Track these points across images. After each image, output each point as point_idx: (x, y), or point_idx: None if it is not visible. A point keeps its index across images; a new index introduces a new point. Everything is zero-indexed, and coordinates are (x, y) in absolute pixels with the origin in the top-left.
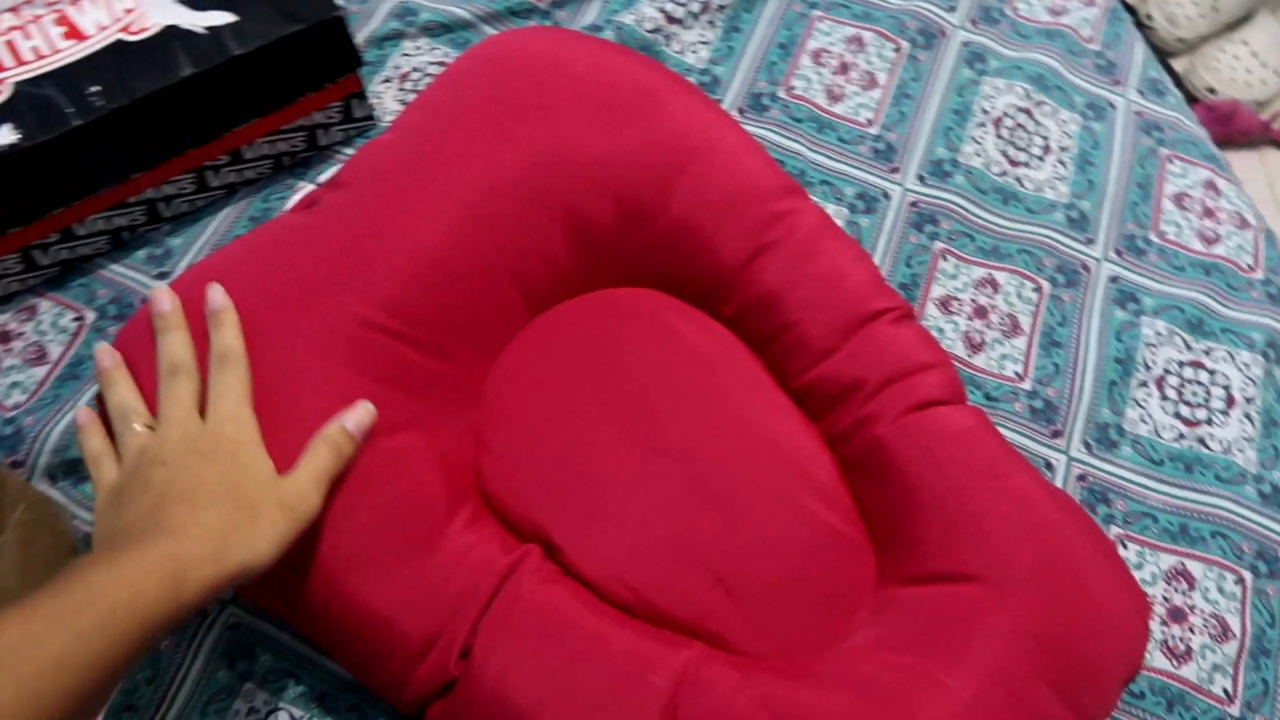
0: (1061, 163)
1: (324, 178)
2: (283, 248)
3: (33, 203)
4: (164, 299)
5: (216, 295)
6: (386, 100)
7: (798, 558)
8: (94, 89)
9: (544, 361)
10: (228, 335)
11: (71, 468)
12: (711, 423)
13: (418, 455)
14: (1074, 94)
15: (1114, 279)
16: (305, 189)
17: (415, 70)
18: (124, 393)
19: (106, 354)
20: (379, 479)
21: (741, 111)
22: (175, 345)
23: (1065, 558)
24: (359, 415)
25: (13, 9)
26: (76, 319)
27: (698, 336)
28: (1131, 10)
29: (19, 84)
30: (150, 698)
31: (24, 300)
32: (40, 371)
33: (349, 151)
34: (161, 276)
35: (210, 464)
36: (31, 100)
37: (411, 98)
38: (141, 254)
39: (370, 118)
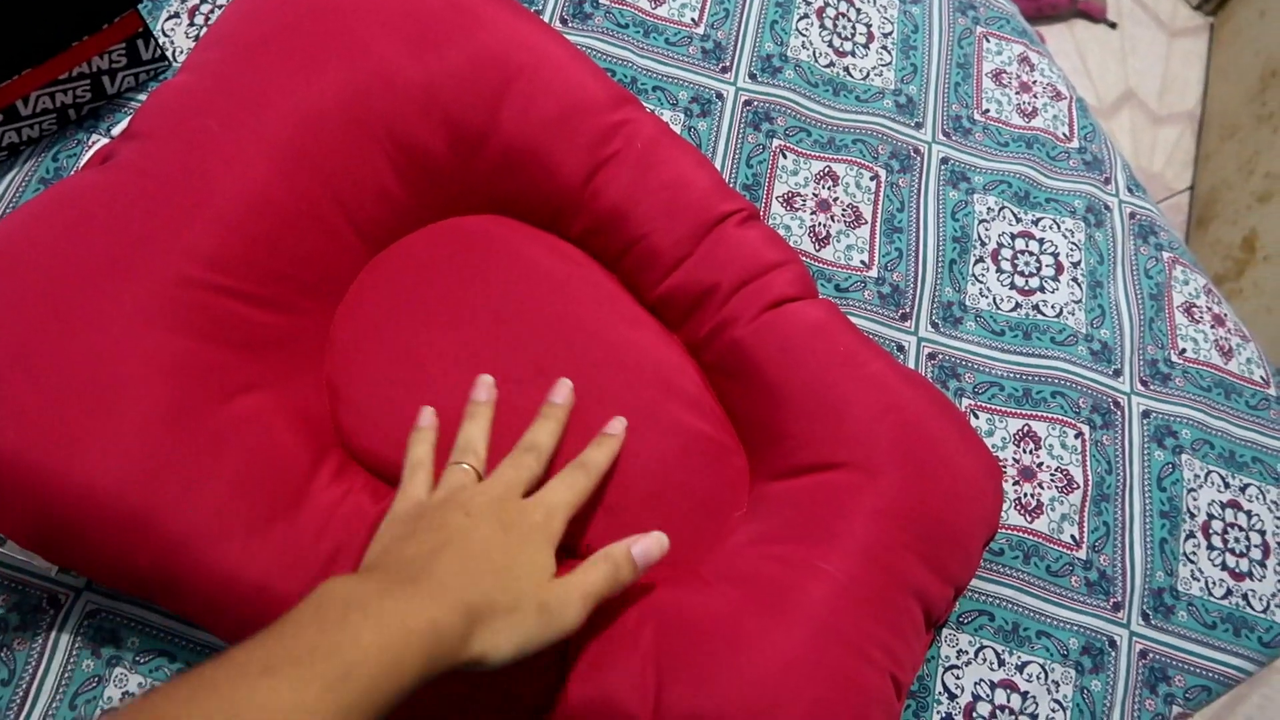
0: (885, 49)
1: (119, 130)
2: (82, 210)
3: None
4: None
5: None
6: (178, 39)
7: (671, 468)
8: None
9: (390, 301)
10: (605, 454)
11: None
12: (571, 344)
13: (268, 415)
14: None
15: (945, 160)
16: (100, 142)
17: (204, 3)
18: (478, 431)
19: (485, 388)
20: (231, 446)
21: (564, 21)
22: (546, 432)
23: (923, 435)
24: (648, 545)
25: None
26: None
27: (547, 259)
28: None
29: None
30: (11, 699)
31: None
32: None
33: (143, 98)
34: None
35: (502, 536)
36: None
37: (205, 33)
38: None
39: (162, 59)
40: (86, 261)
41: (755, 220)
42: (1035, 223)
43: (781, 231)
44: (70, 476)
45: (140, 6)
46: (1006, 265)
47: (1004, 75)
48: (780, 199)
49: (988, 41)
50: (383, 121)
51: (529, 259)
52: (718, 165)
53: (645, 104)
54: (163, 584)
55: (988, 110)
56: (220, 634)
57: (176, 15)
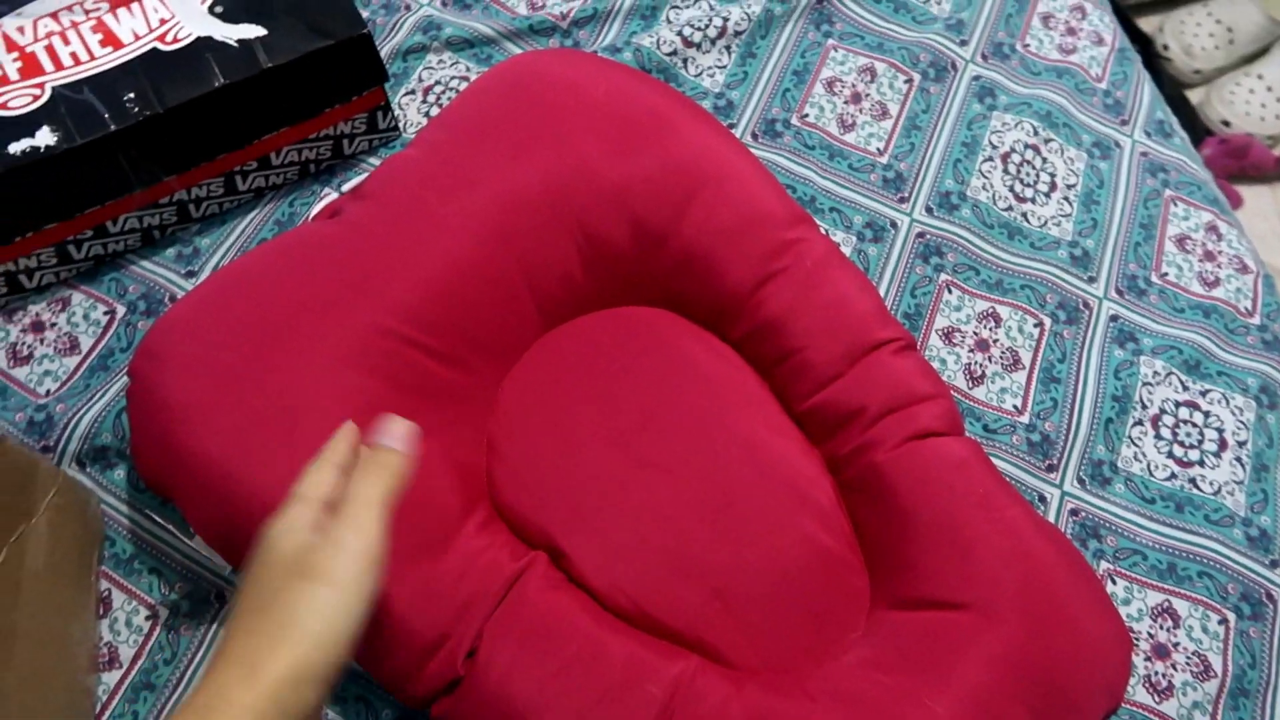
0: (1067, 200)
1: (348, 186)
2: (308, 256)
3: (69, 200)
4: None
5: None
6: (410, 112)
7: (793, 576)
8: (130, 95)
9: (556, 374)
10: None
11: (99, 454)
12: (715, 441)
13: (433, 461)
14: (1081, 132)
15: (1114, 318)
16: (330, 195)
17: (438, 84)
18: (321, 480)
19: (346, 435)
20: None
21: (755, 137)
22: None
23: (1052, 589)
24: (394, 430)
25: (53, 14)
26: (107, 312)
27: (706, 357)
28: (1147, 41)
29: (56, 89)
30: (168, 677)
31: (58, 292)
32: (71, 361)
33: (373, 160)
34: (190, 275)
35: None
36: (70, 104)
37: (434, 110)
38: (171, 252)
39: (394, 129)
40: (303, 301)
41: (911, 350)
42: (1203, 394)
43: (936, 364)
44: (257, 489)
45: (385, 83)
46: (1166, 433)
47: (1188, 241)
48: (940, 332)
49: (1175, 206)
50: (576, 212)
51: (688, 354)
52: (883, 291)
53: (820, 223)
54: None
55: (1166, 274)
56: (354, 657)
57: (413, 92)
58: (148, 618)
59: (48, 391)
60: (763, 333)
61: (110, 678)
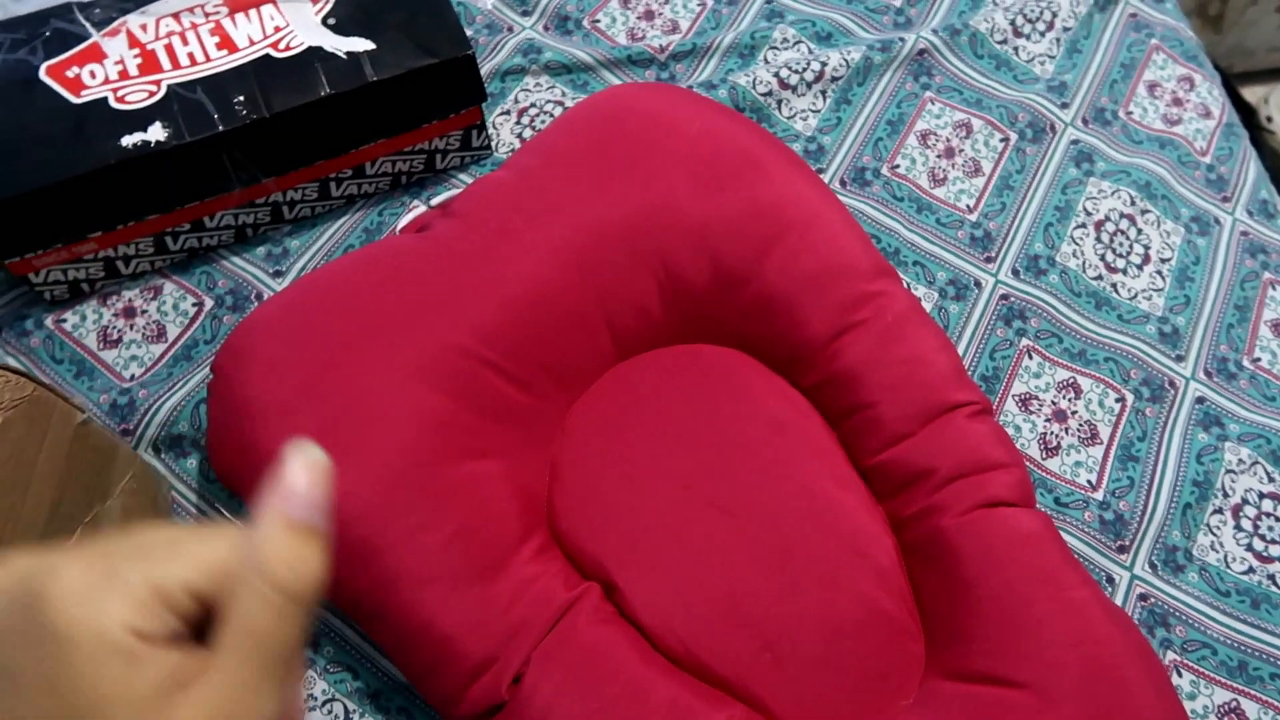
0: (1160, 274)
1: (437, 201)
2: (393, 269)
3: (172, 194)
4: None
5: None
6: (503, 132)
7: (848, 635)
8: (239, 98)
9: (625, 406)
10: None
11: (175, 442)
12: (778, 489)
13: (496, 482)
14: (1180, 206)
15: (1200, 400)
16: (418, 207)
17: (533, 106)
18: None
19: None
20: (458, 502)
21: (844, 183)
22: None
23: (1115, 678)
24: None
25: (175, 15)
26: (195, 304)
27: (776, 402)
28: (1251, 112)
29: (172, 86)
30: None
31: (151, 280)
32: (158, 349)
33: (463, 176)
34: (277, 274)
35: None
36: (182, 102)
37: (527, 132)
38: (262, 250)
39: (487, 147)
40: (384, 313)
41: (986, 415)
42: None
43: (1010, 431)
44: None
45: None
46: (1248, 524)
47: None
48: (1017, 398)
49: (1274, 289)
50: (658, 247)
51: (758, 398)
52: (961, 351)
53: (903, 276)
54: (368, 611)
55: (1259, 359)
56: (402, 670)
57: (508, 112)
58: None
59: (132, 376)
60: (836, 383)
61: None
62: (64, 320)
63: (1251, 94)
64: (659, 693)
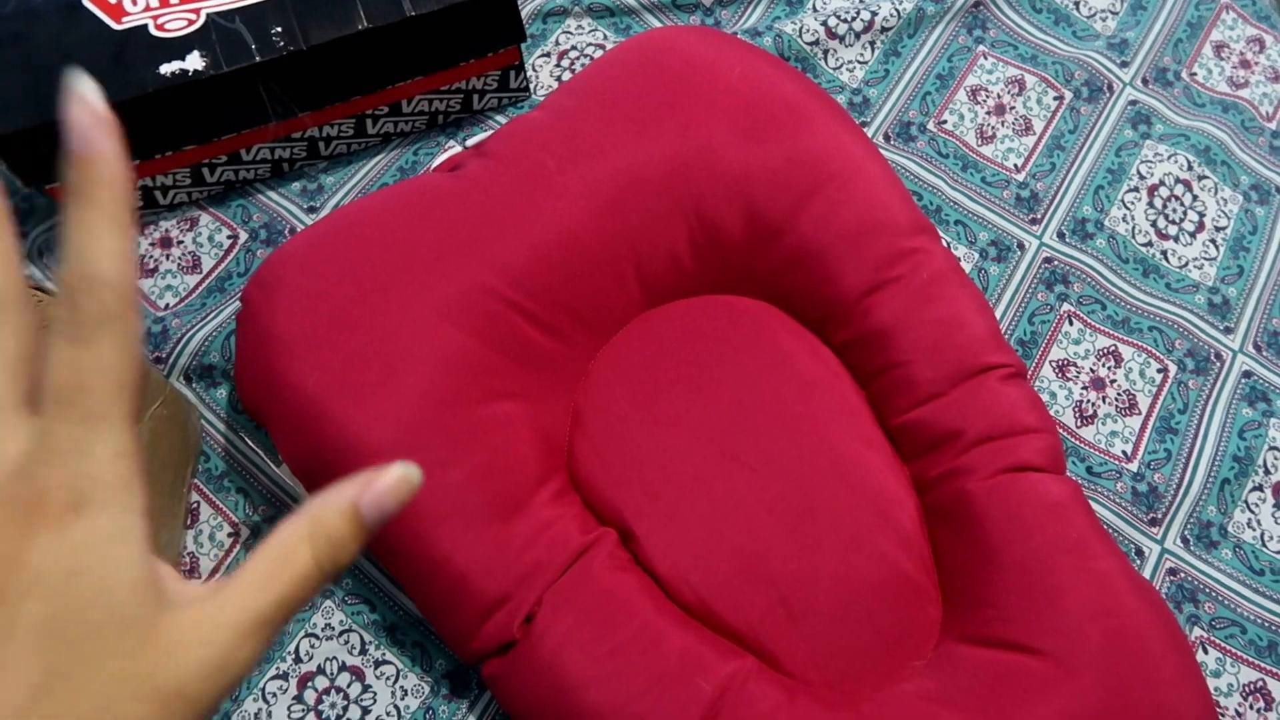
0: (1213, 243)
1: (472, 141)
2: (424, 207)
3: (209, 125)
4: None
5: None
6: (543, 75)
7: (864, 595)
8: (277, 29)
9: (650, 354)
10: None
11: (206, 372)
12: (802, 445)
13: (518, 425)
14: (1241, 172)
15: (1248, 374)
16: (453, 148)
17: (574, 49)
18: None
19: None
20: (480, 442)
21: (887, 138)
22: None
23: (1137, 650)
24: (384, 489)
25: None
26: (231, 236)
27: (805, 358)
28: None
29: (211, 16)
30: None
31: (188, 211)
32: (192, 280)
33: (500, 118)
34: (312, 210)
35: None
36: (221, 32)
37: (566, 75)
38: (297, 186)
39: (525, 89)
40: (413, 251)
41: (1020, 379)
42: None
43: (1046, 398)
44: (349, 427)
45: (522, 43)
46: None
47: None
48: (1054, 363)
49: None
50: (693, 195)
51: (787, 352)
52: (999, 314)
53: (944, 235)
54: (388, 544)
55: None
56: (417, 605)
57: (548, 55)
58: (229, 534)
59: (167, 306)
60: (867, 341)
61: None
62: None
63: None
64: (671, 640)
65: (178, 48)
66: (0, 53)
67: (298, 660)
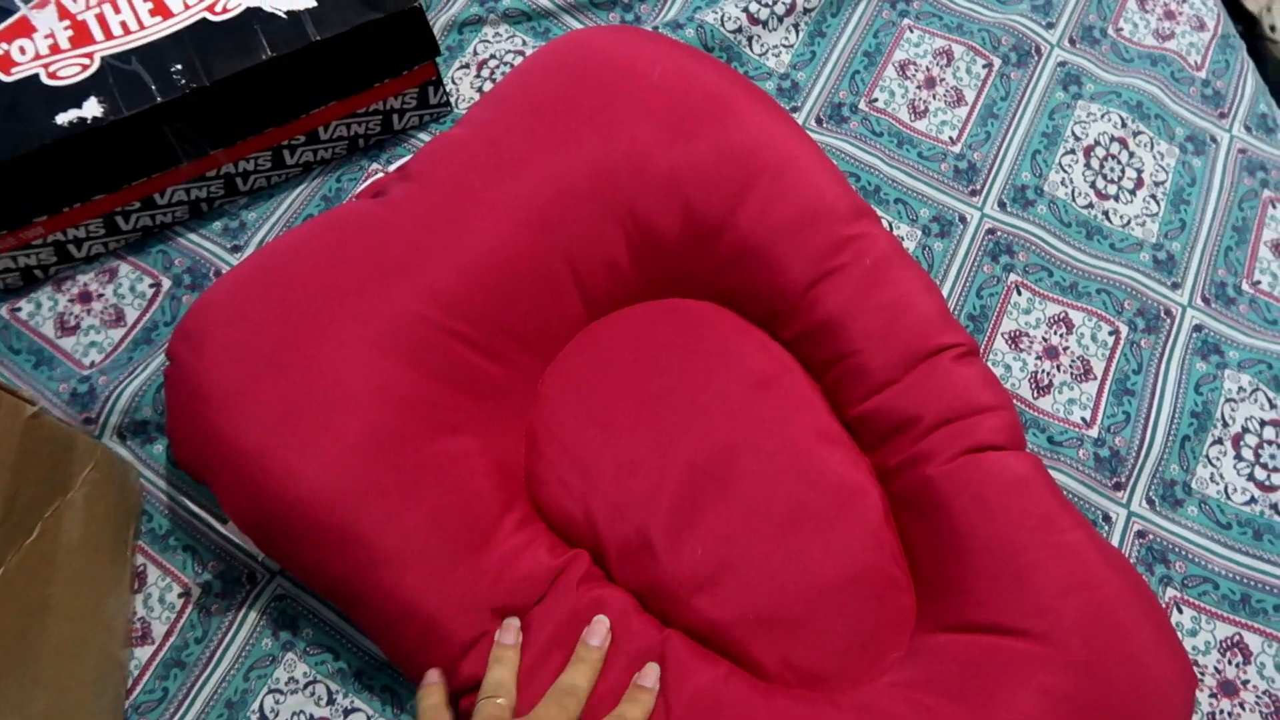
0: (1154, 198)
1: (397, 163)
2: (347, 238)
3: (116, 172)
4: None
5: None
6: (463, 87)
7: (836, 591)
8: (177, 67)
9: (599, 367)
10: (639, 711)
11: (140, 428)
12: (761, 445)
13: (471, 457)
14: (1175, 124)
15: (1198, 328)
16: (378, 172)
17: (493, 58)
18: (507, 674)
19: (512, 631)
20: (433, 480)
21: (820, 121)
22: (583, 676)
23: (1112, 621)
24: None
25: None
26: (153, 285)
27: (755, 355)
28: (1252, 21)
29: (105, 59)
30: (198, 656)
31: (106, 262)
32: (117, 334)
33: (424, 136)
34: (236, 249)
35: None
36: (118, 75)
37: (488, 85)
38: (218, 225)
39: (446, 104)
40: (340, 286)
41: (973, 357)
42: None
43: (1000, 371)
44: (293, 479)
45: (437, 58)
46: (1249, 454)
47: None
48: (1006, 335)
49: (1274, 208)
50: (625, 199)
51: (737, 352)
52: (947, 290)
53: (884, 215)
54: (348, 594)
55: (1259, 282)
56: (385, 651)
57: (467, 66)
58: (180, 595)
59: (92, 363)
60: (817, 333)
61: (143, 653)
62: (19, 309)
63: (1253, 2)
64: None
65: (73, 95)
66: None
67: (263, 718)
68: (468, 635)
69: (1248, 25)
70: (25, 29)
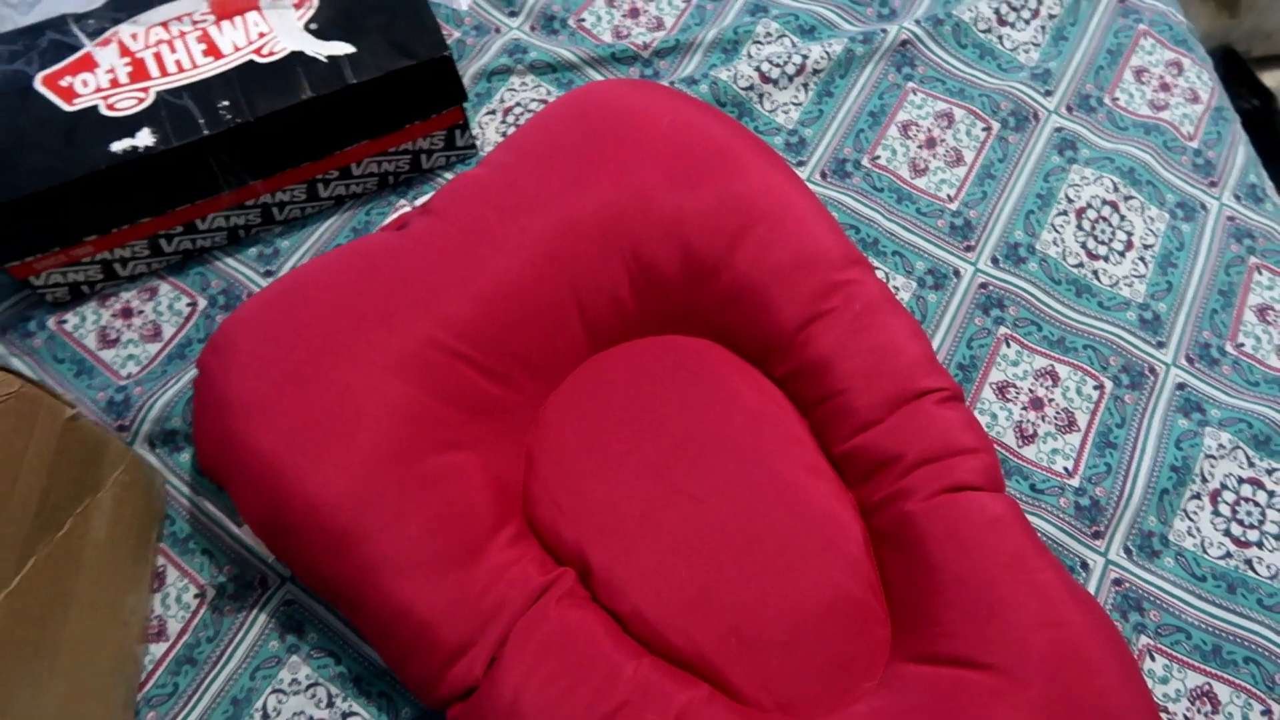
0: (1142, 260)
1: (421, 200)
2: (371, 266)
3: (163, 197)
4: None
5: None
6: (489, 131)
7: (814, 619)
8: (224, 103)
9: (599, 397)
10: None
11: (169, 437)
12: (749, 477)
13: (471, 473)
14: (1166, 191)
15: (1181, 386)
16: (404, 207)
17: (518, 105)
18: None
19: None
20: (434, 492)
21: (824, 175)
22: None
23: (1080, 660)
24: None
25: (164, 24)
26: (190, 304)
27: (748, 391)
28: (1270, 96)
29: (160, 93)
30: (209, 654)
31: (148, 281)
32: (153, 348)
33: (448, 175)
34: (269, 274)
35: None
36: (170, 109)
37: (511, 130)
38: (253, 251)
39: (472, 146)
40: (361, 310)
41: (956, 402)
42: (1269, 473)
43: (986, 419)
44: (305, 485)
45: (464, 103)
46: (1225, 510)
47: (1270, 312)
48: (994, 385)
49: (1260, 274)
50: (630, 239)
51: (731, 387)
52: (938, 341)
53: (882, 266)
54: (349, 598)
55: (1242, 344)
56: (381, 655)
57: (493, 112)
58: (196, 596)
59: (129, 374)
60: (807, 372)
61: (157, 649)
62: (65, 321)
63: (1271, 78)
64: (626, 673)
65: (128, 125)
66: None
67: (266, 717)
68: (454, 643)
69: (1265, 100)
70: (89, 64)
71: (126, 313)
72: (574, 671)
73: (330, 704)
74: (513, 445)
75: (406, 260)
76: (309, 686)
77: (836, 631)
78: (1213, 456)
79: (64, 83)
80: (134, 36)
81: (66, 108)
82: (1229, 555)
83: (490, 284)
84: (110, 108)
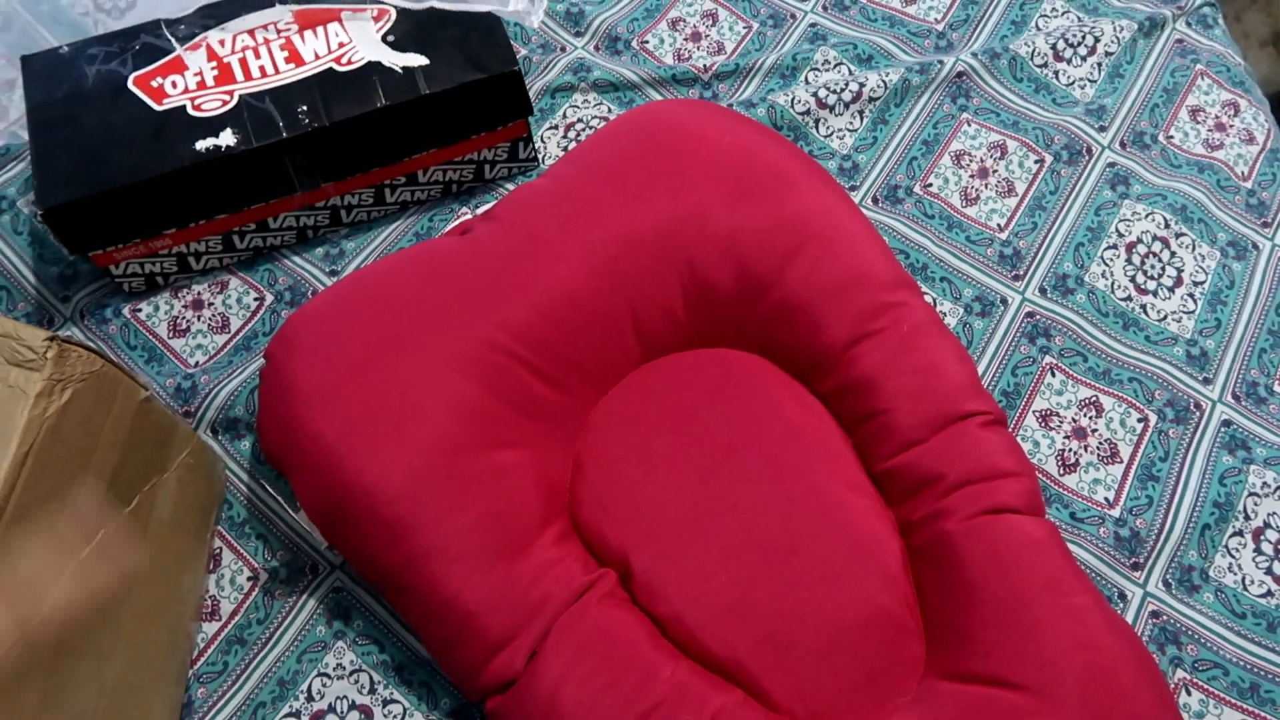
0: (1191, 296)
1: (483, 209)
2: (434, 268)
3: (240, 195)
4: None
5: None
6: (550, 146)
7: (850, 632)
8: (303, 108)
9: (647, 404)
10: None
11: (231, 424)
12: (790, 489)
13: (522, 471)
14: (1217, 229)
15: (1227, 423)
16: (465, 215)
17: (580, 122)
18: None
19: None
20: (486, 487)
21: (876, 200)
22: None
23: (1113, 686)
24: None
25: (250, 31)
26: (257, 299)
27: (793, 406)
28: None
29: (244, 96)
30: (259, 635)
31: (218, 276)
32: (221, 339)
33: (510, 186)
34: (334, 274)
35: None
36: (252, 111)
37: (573, 146)
38: (320, 251)
39: (534, 159)
40: (424, 309)
41: (999, 425)
42: None
43: (1028, 446)
44: (363, 473)
45: (529, 117)
46: (1268, 548)
47: None
48: (1037, 414)
49: None
50: (685, 254)
51: (776, 401)
52: (982, 367)
53: (930, 292)
54: (399, 585)
55: None
56: (426, 643)
57: (555, 127)
58: (249, 578)
59: (197, 363)
60: (852, 390)
61: (210, 627)
62: (139, 310)
63: None
64: (662, 674)
65: (212, 126)
66: (53, 132)
67: (310, 699)
68: (497, 634)
69: None
70: (179, 67)
71: (197, 304)
72: (612, 670)
73: (372, 690)
74: (562, 447)
75: (469, 263)
76: (352, 672)
77: (871, 645)
78: (1256, 494)
79: (155, 83)
80: (221, 42)
81: (156, 107)
82: (1270, 594)
83: (549, 291)
84: (197, 108)
